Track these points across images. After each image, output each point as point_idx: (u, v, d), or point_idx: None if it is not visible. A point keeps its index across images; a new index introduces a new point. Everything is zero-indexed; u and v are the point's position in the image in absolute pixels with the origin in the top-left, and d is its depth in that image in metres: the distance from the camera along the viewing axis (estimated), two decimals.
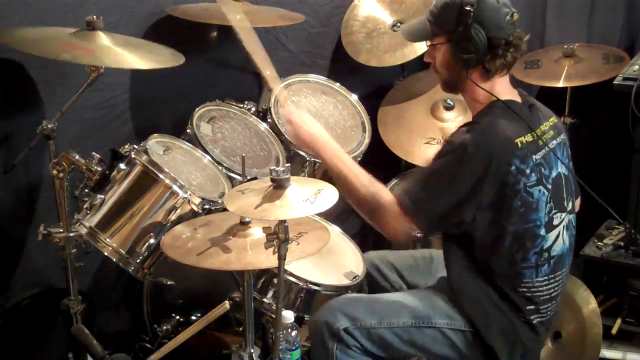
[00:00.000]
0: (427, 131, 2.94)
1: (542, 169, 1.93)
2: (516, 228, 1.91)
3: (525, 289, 1.97)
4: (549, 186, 1.94)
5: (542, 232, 1.95)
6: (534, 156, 1.91)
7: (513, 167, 1.87)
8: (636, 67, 2.70)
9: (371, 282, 2.34)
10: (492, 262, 1.95)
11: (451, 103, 2.93)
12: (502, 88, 1.99)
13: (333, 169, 2.04)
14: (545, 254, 1.97)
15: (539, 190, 1.92)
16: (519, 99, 2.01)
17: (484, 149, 1.85)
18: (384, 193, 1.97)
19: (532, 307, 1.99)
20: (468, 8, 1.87)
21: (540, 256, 1.96)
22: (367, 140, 2.84)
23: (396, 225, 1.95)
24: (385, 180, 2.99)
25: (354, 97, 2.95)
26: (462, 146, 1.86)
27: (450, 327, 2.01)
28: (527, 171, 1.89)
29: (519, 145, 1.88)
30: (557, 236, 1.99)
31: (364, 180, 2.00)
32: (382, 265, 2.37)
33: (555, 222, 1.97)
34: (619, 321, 2.72)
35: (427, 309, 2.03)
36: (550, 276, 2.00)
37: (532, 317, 2.00)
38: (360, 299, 2.12)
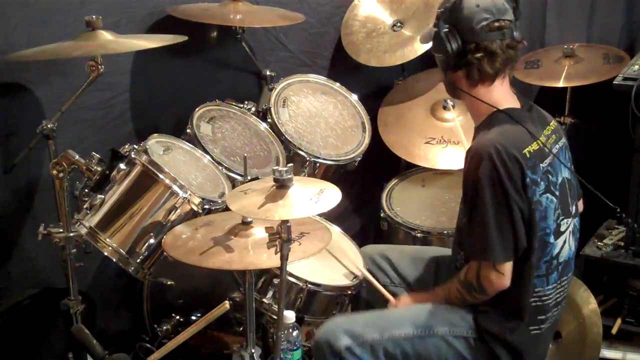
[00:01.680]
0: (427, 131, 2.93)
1: (550, 176, 1.93)
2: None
3: (536, 298, 1.96)
4: (557, 193, 1.94)
5: (552, 239, 1.94)
6: (541, 164, 1.90)
7: (528, 179, 1.86)
8: (636, 67, 2.69)
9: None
10: None
11: (451, 103, 2.93)
12: (501, 95, 1.97)
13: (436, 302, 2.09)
14: (554, 261, 1.96)
15: (547, 198, 1.91)
16: (518, 105, 2.00)
17: (507, 169, 1.83)
18: (466, 277, 1.97)
19: (543, 316, 1.99)
20: (441, 10, 1.90)
21: (550, 264, 1.96)
22: (367, 141, 2.84)
23: (498, 281, 1.92)
24: (385, 180, 3.00)
25: (354, 97, 2.96)
26: (490, 176, 1.84)
27: (452, 334, 1.99)
28: (538, 180, 1.89)
29: (528, 156, 1.87)
30: (564, 242, 1.98)
31: (452, 292, 2.03)
32: (380, 260, 2.37)
33: (562, 229, 1.97)
34: (619, 321, 2.72)
35: (428, 318, 2.01)
36: (558, 282, 2.00)
37: (542, 326, 1.99)
38: (360, 314, 2.10)
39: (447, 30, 1.89)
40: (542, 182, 1.90)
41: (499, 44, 1.90)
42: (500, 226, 1.86)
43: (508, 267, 1.90)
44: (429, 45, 2.04)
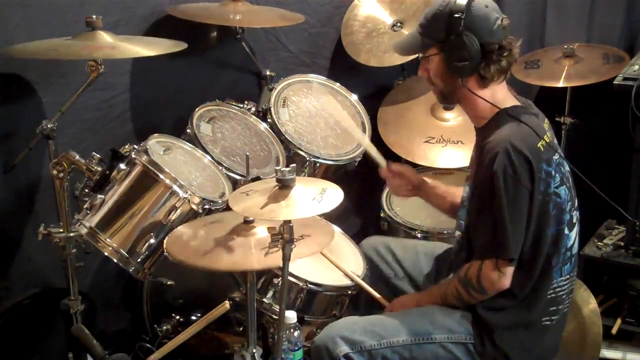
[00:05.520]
0: (427, 131, 2.94)
1: (562, 168, 1.94)
2: (552, 231, 1.92)
3: (551, 291, 1.97)
4: (568, 184, 1.96)
5: (567, 231, 1.96)
6: (554, 157, 1.92)
7: (543, 172, 1.87)
8: (636, 67, 2.70)
9: (373, 268, 2.34)
10: (527, 270, 1.94)
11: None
12: (502, 94, 1.98)
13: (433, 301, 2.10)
14: (568, 252, 1.98)
15: (564, 190, 1.93)
16: (517, 102, 2.01)
17: (523, 164, 1.84)
18: (466, 275, 1.96)
19: (555, 307, 2.00)
20: (457, 15, 1.87)
21: (565, 256, 1.97)
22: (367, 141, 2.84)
23: (499, 281, 1.92)
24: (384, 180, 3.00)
25: (354, 97, 2.95)
26: (505, 170, 1.84)
27: (450, 340, 1.99)
28: (553, 172, 1.90)
29: (542, 149, 1.88)
30: (576, 234, 2.00)
31: (449, 290, 2.02)
32: (384, 251, 2.37)
33: (574, 220, 1.99)
34: (619, 321, 2.72)
35: (426, 324, 2.01)
36: (571, 274, 2.02)
37: (553, 317, 2.01)
38: (359, 321, 2.09)
39: (467, 35, 1.86)
40: (557, 175, 1.91)
41: (510, 40, 1.93)
42: (513, 223, 1.86)
43: (510, 267, 1.90)
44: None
